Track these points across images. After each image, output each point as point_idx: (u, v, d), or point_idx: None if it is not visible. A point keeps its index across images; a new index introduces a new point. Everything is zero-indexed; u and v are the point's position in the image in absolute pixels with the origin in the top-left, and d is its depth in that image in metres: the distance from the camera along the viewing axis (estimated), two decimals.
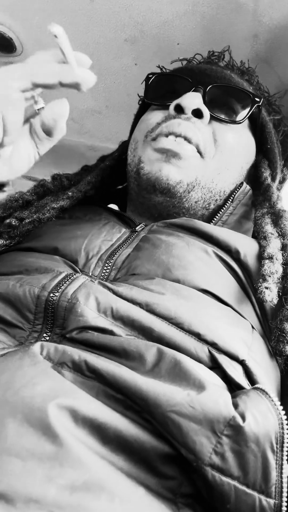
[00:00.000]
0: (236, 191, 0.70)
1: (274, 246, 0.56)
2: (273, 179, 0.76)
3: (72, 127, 1.21)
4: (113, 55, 0.93)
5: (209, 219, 0.70)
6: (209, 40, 0.84)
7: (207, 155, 0.66)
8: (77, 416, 0.32)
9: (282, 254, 0.56)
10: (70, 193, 0.69)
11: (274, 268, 0.52)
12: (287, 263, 0.55)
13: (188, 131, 0.64)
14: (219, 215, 0.68)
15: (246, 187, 0.72)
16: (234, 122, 0.69)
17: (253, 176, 0.75)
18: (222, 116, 0.68)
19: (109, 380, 0.35)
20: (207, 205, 0.68)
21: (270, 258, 0.54)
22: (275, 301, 0.49)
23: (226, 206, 0.69)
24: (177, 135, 0.64)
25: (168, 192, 0.63)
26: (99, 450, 0.31)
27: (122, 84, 1.00)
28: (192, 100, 0.65)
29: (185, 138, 0.64)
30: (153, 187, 0.64)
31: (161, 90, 0.74)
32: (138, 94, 0.86)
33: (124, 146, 0.82)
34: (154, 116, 0.70)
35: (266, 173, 0.73)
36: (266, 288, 0.49)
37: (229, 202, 0.69)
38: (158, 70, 0.83)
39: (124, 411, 0.34)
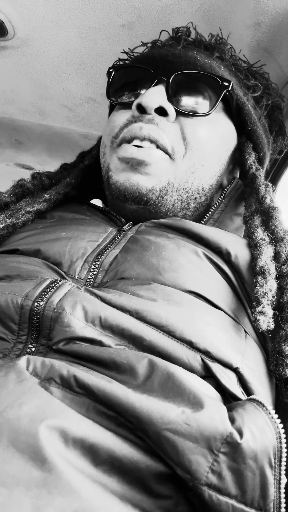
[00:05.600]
0: (228, 187, 0.67)
1: (266, 257, 0.53)
2: (260, 163, 0.72)
3: (66, 114, 1.18)
4: (109, 41, 0.90)
5: (200, 217, 0.67)
6: (209, 27, 0.80)
7: (176, 155, 0.62)
8: (67, 437, 0.30)
9: (275, 266, 0.53)
10: (47, 196, 0.66)
11: (267, 287, 0.49)
12: (281, 275, 0.52)
13: (151, 134, 0.60)
14: (210, 212, 0.66)
15: (237, 182, 0.69)
16: (202, 114, 0.63)
17: (239, 160, 0.71)
18: (189, 109, 0.63)
19: (100, 396, 0.33)
20: (186, 205, 0.65)
21: (263, 273, 0.51)
22: (271, 327, 0.47)
23: (217, 203, 0.66)
24: (141, 139, 0.61)
25: (141, 201, 0.61)
26: (91, 473, 0.29)
27: None
28: (153, 97, 0.60)
29: (150, 141, 0.60)
30: (124, 197, 0.61)
31: (123, 84, 0.68)
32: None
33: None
34: (118, 118, 0.66)
35: (251, 159, 0.68)
36: (261, 313, 0.46)
37: (220, 198, 0.67)
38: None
39: (117, 429, 0.33)
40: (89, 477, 0.29)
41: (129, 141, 0.62)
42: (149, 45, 0.75)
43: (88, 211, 0.68)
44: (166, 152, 0.61)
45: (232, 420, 0.34)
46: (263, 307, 0.47)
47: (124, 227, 0.61)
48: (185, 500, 0.32)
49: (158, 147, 0.61)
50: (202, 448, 0.32)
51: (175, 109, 0.62)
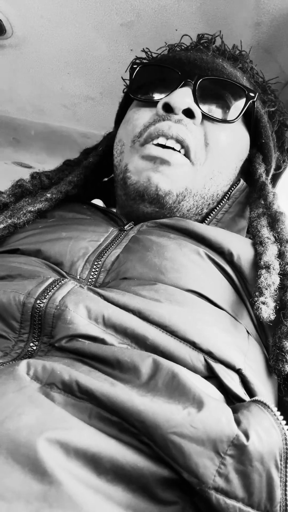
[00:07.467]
0: (232, 189, 0.67)
1: (271, 253, 0.54)
2: (267, 174, 0.74)
3: (65, 113, 1.17)
4: (108, 40, 0.89)
5: (203, 218, 0.67)
6: (209, 27, 0.80)
7: (197, 161, 0.62)
8: (69, 448, 0.29)
9: (280, 263, 0.54)
10: (48, 195, 0.65)
11: (271, 280, 0.50)
12: (285, 273, 0.53)
13: (179, 134, 0.60)
14: (214, 212, 0.66)
15: (243, 184, 0.69)
16: (227, 121, 0.64)
17: (247, 169, 0.72)
18: (215, 115, 0.63)
19: (103, 401, 0.33)
20: (199, 211, 0.65)
21: (267, 267, 0.52)
22: (272, 317, 0.47)
23: (221, 204, 0.66)
24: (168, 137, 0.60)
25: (158, 203, 0.60)
26: (93, 483, 0.29)
27: (117, 70, 0.96)
28: (182, 98, 0.60)
29: (177, 140, 0.60)
30: (141, 198, 0.61)
31: (147, 82, 0.68)
32: (123, 78, 0.80)
33: (109, 139, 0.77)
34: (141, 116, 0.65)
35: (261, 170, 0.69)
36: (263, 303, 0.47)
37: (225, 199, 0.67)
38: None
39: (120, 435, 0.32)
40: (92, 488, 0.28)
41: (153, 138, 0.61)
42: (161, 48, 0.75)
43: (88, 211, 0.67)
44: (188, 156, 0.61)
45: (237, 422, 0.33)
46: (266, 297, 0.48)
47: (125, 227, 0.61)
48: (191, 505, 0.31)
49: (183, 147, 0.61)
50: (209, 451, 0.31)
51: (202, 113, 0.62)
